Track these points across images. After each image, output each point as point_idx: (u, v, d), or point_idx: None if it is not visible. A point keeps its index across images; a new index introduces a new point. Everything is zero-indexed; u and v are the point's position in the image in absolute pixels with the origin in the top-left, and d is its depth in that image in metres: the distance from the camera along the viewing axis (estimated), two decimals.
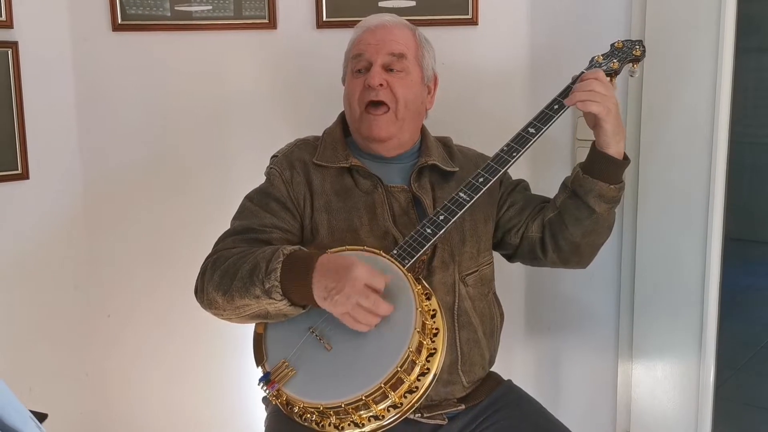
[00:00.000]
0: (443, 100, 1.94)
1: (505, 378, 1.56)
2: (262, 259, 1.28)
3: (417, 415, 1.38)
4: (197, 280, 1.39)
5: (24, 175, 1.84)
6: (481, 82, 1.94)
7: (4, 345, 1.85)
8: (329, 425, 1.26)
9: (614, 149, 1.39)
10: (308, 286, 1.23)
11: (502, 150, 1.40)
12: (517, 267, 1.90)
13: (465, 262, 1.46)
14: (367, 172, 1.47)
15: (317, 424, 1.26)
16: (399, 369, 1.20)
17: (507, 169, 1.38)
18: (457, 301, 1.43)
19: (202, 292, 1.36)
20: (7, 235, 1.84)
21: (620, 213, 1.81)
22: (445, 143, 1.61)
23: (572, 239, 1.46)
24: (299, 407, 1.26)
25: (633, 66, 1.50)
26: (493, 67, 1.93)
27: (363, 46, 1.48)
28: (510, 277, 1.96)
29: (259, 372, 1.30)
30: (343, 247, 1.35)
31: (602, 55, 1.49)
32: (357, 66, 1.49)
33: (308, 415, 1.27)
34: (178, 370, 2.06)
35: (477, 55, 1.94)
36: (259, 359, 1.31)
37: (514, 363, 2.05)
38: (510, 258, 1.62)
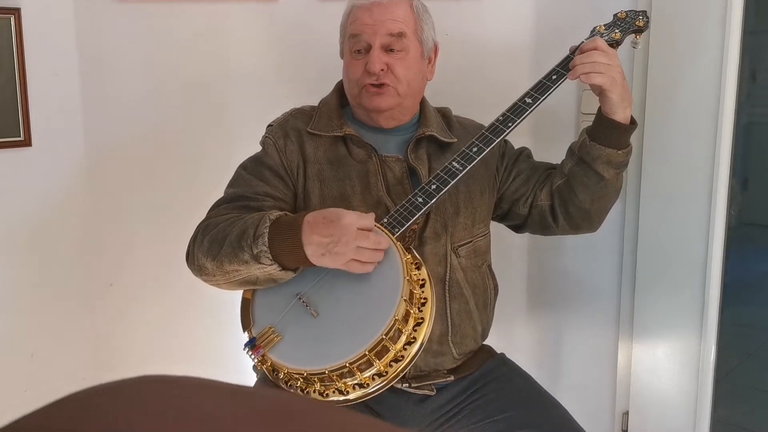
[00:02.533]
0: (446, 71, 1.92)
1: (504, 352, 1.55)
2: (251, 225, 1.27)
3: (404, 384, 1.38)
4: (188, 247, 1.39)
5: (26, 142, 1.85)
6: (486, 54, 1.91)
7: (7, 311, 1.87)
8: (314, 392, 1.25)
9: (621, 115, 1.36)
10: (299, 246, 1.23)
11: (497, 120, 1.38)
12: (519, 240, 1.88)
13: (458, 233, 1.45)
14: (361, 141, 1.46)
15: (302, 390, 1.26)
16: (384, 337, 1.20)
17: (502, 139, 1.37)
18: (448, 272, 1.42)
19: (192, 258, 1.37)
20: (8, 203, 1.85)
21: (624, 188, 1.78)
22: (444, 114, 1.59)
23: (582, 205, 1.45)
24: (284, 373, 1.26)
25: (636, 37, 1.46)
26: (497, 38, 1.90)
27: (360, 26, 1.45)
28: (511, 252, 1.94)
29: (245, 337, 1.30)
30: None
31: (604, 25, 1.46)
32: (355, 46, 1.46)
33: (293, 382, 1.27)
34: (180, 338, 2.07)
35: (481, 27, 1.91)
36: (246, 324, 1.32)
37: (515, 338, 2.04)
38: (519, 229, 1.60)
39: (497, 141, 1.36)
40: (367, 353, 1.19)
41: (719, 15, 1.58)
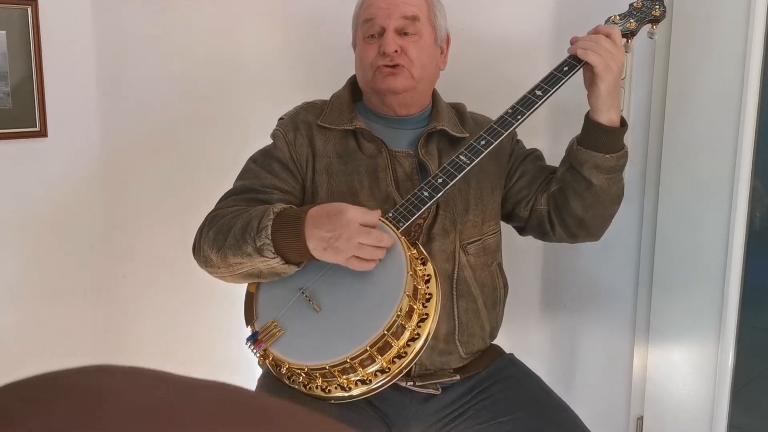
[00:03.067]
0: (463, 66, 1.89)
1: (513, 353, 1.52)
2: (255, 217, 1.26)
3: (409, 383, 1.36)
4: (195, 238, 1.39)
5: (42, 133, 1.85)
6: (503, 49, 1.88)
7: (19, 301, 1.88)
8: (316, 387, 1.24)
9: (605, 117, 1.33)
10: (302, 240, 1.21)
11: (506, 112, 1.35)
12: (533, 240, 1.85)
13: (467, 230, 1.42)
14: (371, 136, 1.44)
15: (305, 386, 1.25)
16: (386, 333, 1.18)
17: (511, 131, 1.34)
18: (456, 269, 1.40)
19: (198, 249, 1.36)
20: (23, 193, 1.86)
21: (641, 187, 1.74)
22: (458, 109, 1.57)
23: (575, 213, 1.40)
24: (286, 368, 1.24)
25: (652, 27, 1.43)
26: (515, 32, 1.87)
27: (374, 10, 1.44)
28: (526, 251, 1.91)
29: (249, 332, 1.29)
30: None
31: (619, 15, 1.43)
32: (369, 31, 1.45)
33: (295, 377, 1.25)
34: (192, 331, 2.07)
35: (498, 21, 1.88)
36: (249, 318, 1.30)
37: (528, 338, 2.00)
38: (521, 231, 1.57)
39: (506, 134, 1.33)
40: (368, 349, 1.17)
41: (743, 8, 1.54)
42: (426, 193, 1.30)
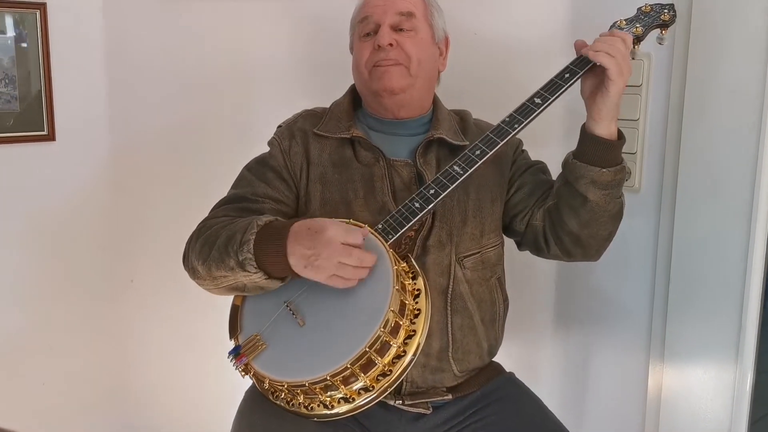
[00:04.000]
0: (473, 71, 1.84)
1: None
2: (239, 230, 1.23)
3: (398, 401, 1.31)
4: (185, 248, 1.36)
5: (50, 137, 1.86)
6: (516, 52, 1.82)
7: (26, 303, 1.89)
8: (299, 405, 1.20)
9: (605, 128, 1.26)
10: (284, 256, 1.17)
11: (503, 121, 1.28)
12: None
13: (464, 243, 1.36)
14: (369, 144, 1.40)
15: (288, 402, 1.21)
16: (368, 349, 1.13)
17: (506, 141, 1.26)
18: (451, 283, 1.34)
19: (186, 259, 1.34)
20: (31, 197, 1.87)
21: (657, 201, 1.66)
22: (461, 117, 1.52)
23: (571, 230, 1.34)
24: (268, 383, 1.20)
25: (662, 32, 1.36)
26: (527, 37, 1.80)
27: (370, 9, 1.42)
28: (539, 266, 1.84)
29: (232, 345, 1.26)
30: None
31: (625, 19, 1.35)
32: (364, 30, 1.42)
33: (278, 393, 1.21)
34: (198, 335, 2.05)
35: (511, 22, 1.82)
36: (233, 331, 1.27)
37: (541, 356, 1.94)
38: (519, 246, 1.50)
39: (501, 143, 1.26)
40: (349, 366, 1.13)
41: (764, 9, 1.45)
42: (417, 205, 1.25)
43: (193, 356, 2.06)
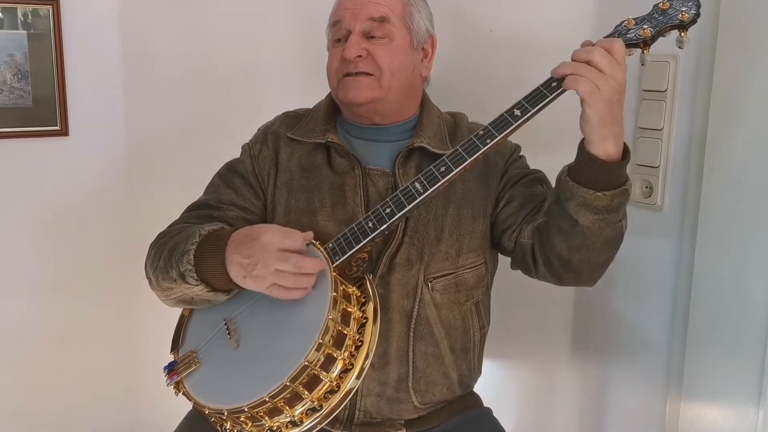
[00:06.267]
0: (489, 71, 1.71)
1: (490, 407, 1.33)
2: (182, 240, 1.17)
3: None
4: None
5: (63, 132, 1.87)
6: (534, 52, 1.66)
7: (38, 298, 1.92)
8: None
9: (600, 148, 1.05)
10: (222, 266, 1.10)
11: (476, 134, 1.12)
12: None
13: (436, 262, 1.24)
14: (345, 151, 1.30)
15: (220, 426, 1.13)
16: (308, 363, 1.03)
17: (476, 158, 1.10)
18: (416, 307, 1.23)
19: (144, 268, 1.29)
20: (45, 192, 1.89)
21: (679, 228, 1.47)
22: (456, 120, 1.38)
23: (559, 253, 1.16)
24: (207, 412, 1.13)
25: (681, 34, 1.10)
26: (548, 33, 1.64)
27: (341, 12, 1.30)
28: (556, 291, 1.68)
29: (171, 358, 1.20)
30: None
31: (635, 18, 1.13)
32: (336, 35, 1.31)
33: (223, 424, 1.13)
34: None
35: (529, 20, 1.66)
36: (174, 344, 1.21)
37: (557, 384, 1.79)
38: (511, 265, 1.35)
39: (470, 161, 1.10)
40: (288, 384, 1.03)
41: None
42: (370, 224, 1.14)
43: None
